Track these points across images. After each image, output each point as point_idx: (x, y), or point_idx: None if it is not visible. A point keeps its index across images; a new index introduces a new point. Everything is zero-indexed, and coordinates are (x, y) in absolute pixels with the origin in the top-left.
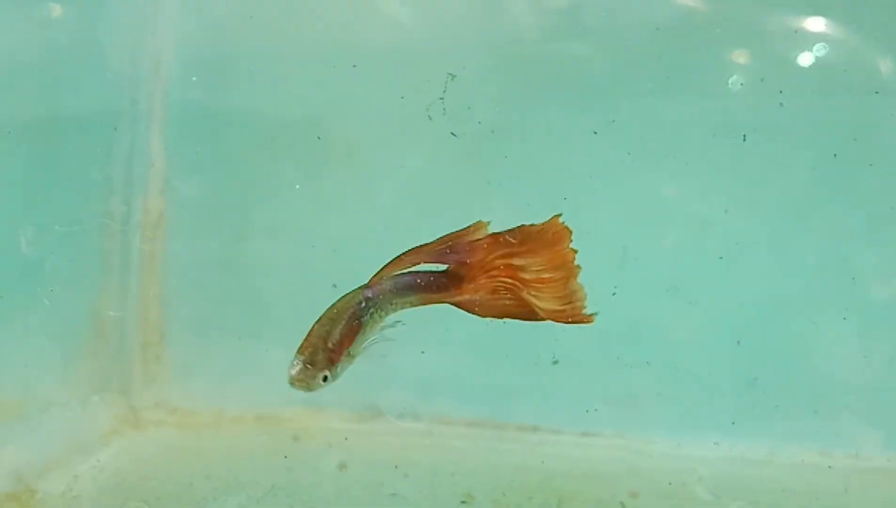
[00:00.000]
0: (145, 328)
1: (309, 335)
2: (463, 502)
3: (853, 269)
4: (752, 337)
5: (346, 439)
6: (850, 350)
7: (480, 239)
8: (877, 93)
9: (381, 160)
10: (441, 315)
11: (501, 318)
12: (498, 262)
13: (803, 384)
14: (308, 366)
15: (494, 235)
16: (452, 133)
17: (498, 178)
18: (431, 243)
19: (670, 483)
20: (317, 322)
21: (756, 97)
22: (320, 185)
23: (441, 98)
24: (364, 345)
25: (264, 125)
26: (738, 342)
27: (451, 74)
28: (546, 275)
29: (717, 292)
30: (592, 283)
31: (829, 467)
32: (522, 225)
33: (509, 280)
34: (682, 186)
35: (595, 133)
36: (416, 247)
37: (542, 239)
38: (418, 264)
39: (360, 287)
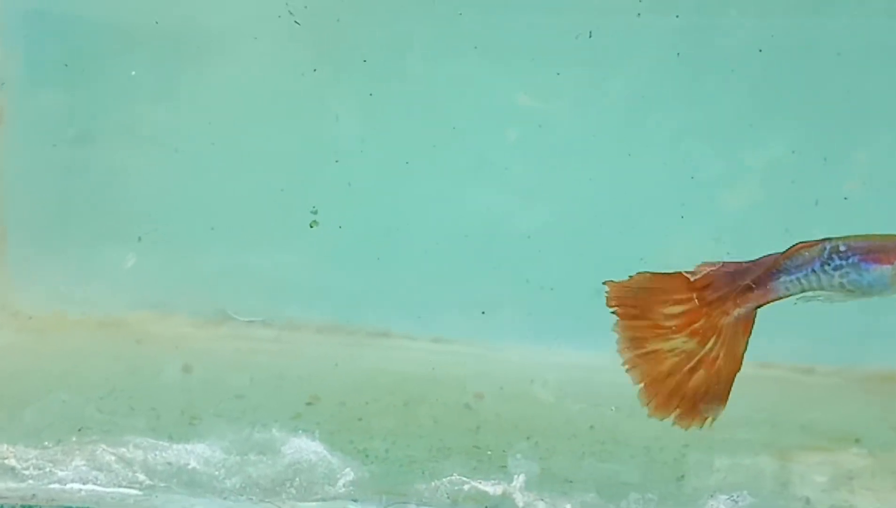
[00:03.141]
0: None
1: None
2: (308, 403)
3: (693, 168)
4: (599, 239)
5: (191, 343)
6: (691, 251)
7: None
8: None
9: (234, 59)
10: (292, 220)
11: None
12: None
13: None
14: None
15: None
16: (296, 22)
17: (347, 70)
18: None
19: (516, 387)
20: None
21: None
22: (169, 85)
23: None
24: None
25: (112, 24)
26: (586, 245)
27: None
28: None
29: (563, 192)
30: (443, 182)
31: None
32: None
33: None
34: (529, 83)
35: (443, 29)
36: None
37: None
38: None
39: None
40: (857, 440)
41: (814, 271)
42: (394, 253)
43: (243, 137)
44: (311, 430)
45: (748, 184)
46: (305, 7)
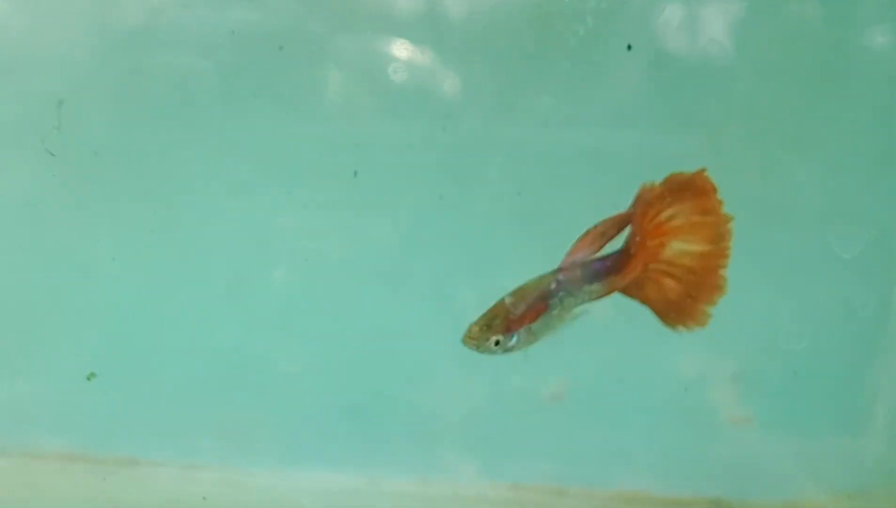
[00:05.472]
0: None
1: (495, 304)
2: None
3: (454, 303)
4: (360, 367)
5: None
6: (450, 382)
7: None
8: (443, 129)
9: None
10: (37, 339)
11: (643, 302)
12: (654, 221)
13: (406, 414)
14: (485, 328)
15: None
16: (50, 152)
17: (101, 200)
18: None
19: None
20: (506, 295)
21: (367, 135)
22: None
23: (56, 127)
24: (548, 329)
25: None
26: (347, 372)
27: (60, 101)
28: (695, 218)
29: (327, 324)
30: (197, 309)
31: (428, 494)
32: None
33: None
34: (295, 218)
35: (208, 164)
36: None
37: (690, 189)
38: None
39: (553, 271)
40: None
41: None
42: (142, 377)
43: None
44: None
45: None
46: (63, 146)
